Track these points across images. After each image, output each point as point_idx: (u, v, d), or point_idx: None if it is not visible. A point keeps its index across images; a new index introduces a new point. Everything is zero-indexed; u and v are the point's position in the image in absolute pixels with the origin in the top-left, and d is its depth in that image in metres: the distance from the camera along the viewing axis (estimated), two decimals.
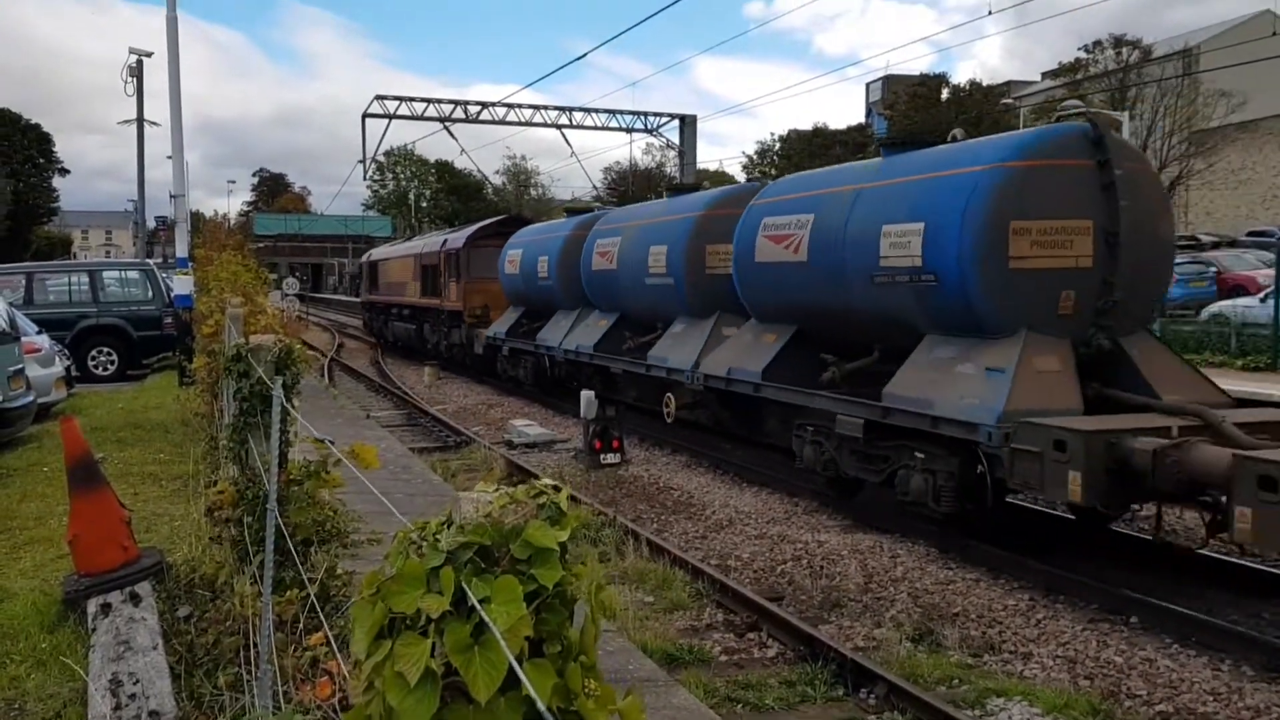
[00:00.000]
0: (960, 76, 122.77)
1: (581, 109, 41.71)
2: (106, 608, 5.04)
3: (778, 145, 77.41)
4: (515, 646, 1.56)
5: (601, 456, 13.70)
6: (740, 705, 6.23)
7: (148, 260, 28.54)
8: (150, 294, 21.41)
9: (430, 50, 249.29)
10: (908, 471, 9.57)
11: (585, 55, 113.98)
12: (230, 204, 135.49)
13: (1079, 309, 9.19)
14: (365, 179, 59.43)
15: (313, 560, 4.66)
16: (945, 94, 63.80)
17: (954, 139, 10.77)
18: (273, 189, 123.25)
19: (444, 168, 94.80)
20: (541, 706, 1.50)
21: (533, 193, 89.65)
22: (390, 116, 39.54)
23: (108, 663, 4.48)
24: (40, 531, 7.51)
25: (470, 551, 1.67)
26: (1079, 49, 52.85)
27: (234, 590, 4.78)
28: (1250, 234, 32.14)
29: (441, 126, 40.17)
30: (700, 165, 44.51)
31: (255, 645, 4.09)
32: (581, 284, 18.96)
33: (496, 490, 1.79)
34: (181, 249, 20.62)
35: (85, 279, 21.37)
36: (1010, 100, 53.79)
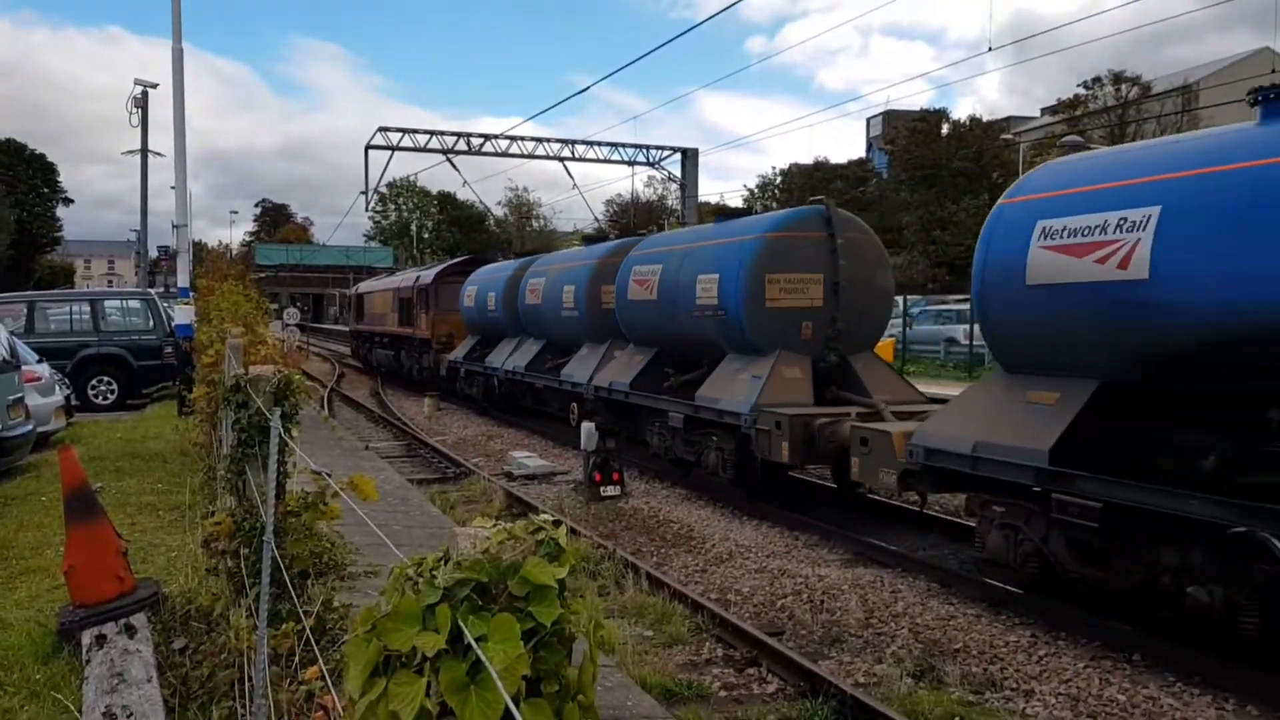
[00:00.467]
0: (960, 112, 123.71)
1: (584, 142, 41.88)
2: (101, 639, 5.00)
3: (779, 179, 77.81)
4: (512, 686, 1.53)
5: (601, 489, 13.65)
6: None
7: (149, 290, 28.55)
8: (151, 323, 21.43)
9: (434, 83, 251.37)
10: (708, 451, 13.31)
11: (588, 89, 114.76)
12: (233, 234, 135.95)
13: (815, 336, 13.14)
14: (368, 210, 59.72)
15: (310, 593, 4.63)
16: (945, 129, 64.19)
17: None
18: (275, 219, 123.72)
19: (446, 199, 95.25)
20: None
21: (535, 224, 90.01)
22: (393, 148, 39.70)
23: (101, 695, 4.44)
24: (37, 561, 7.47)
25: (467, 588, 1.65)
26: (1078, 85, 53.28)
27: (230, 623, 4.75)
28: None
29: (444, 158, 40.31)
30: (702, 198, 44.63)
31: (250, 679, 4.05)
32: (519, 316, 22.52)
33: (494, 526, 1.77)
34: (183, 279, 20.68)
35: (86, 308, 21.41)
36: (1010, 136, 54.08)
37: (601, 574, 9.46)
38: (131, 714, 4.28)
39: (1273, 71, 30.05)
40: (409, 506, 11.08)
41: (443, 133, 40.50)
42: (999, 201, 9.56)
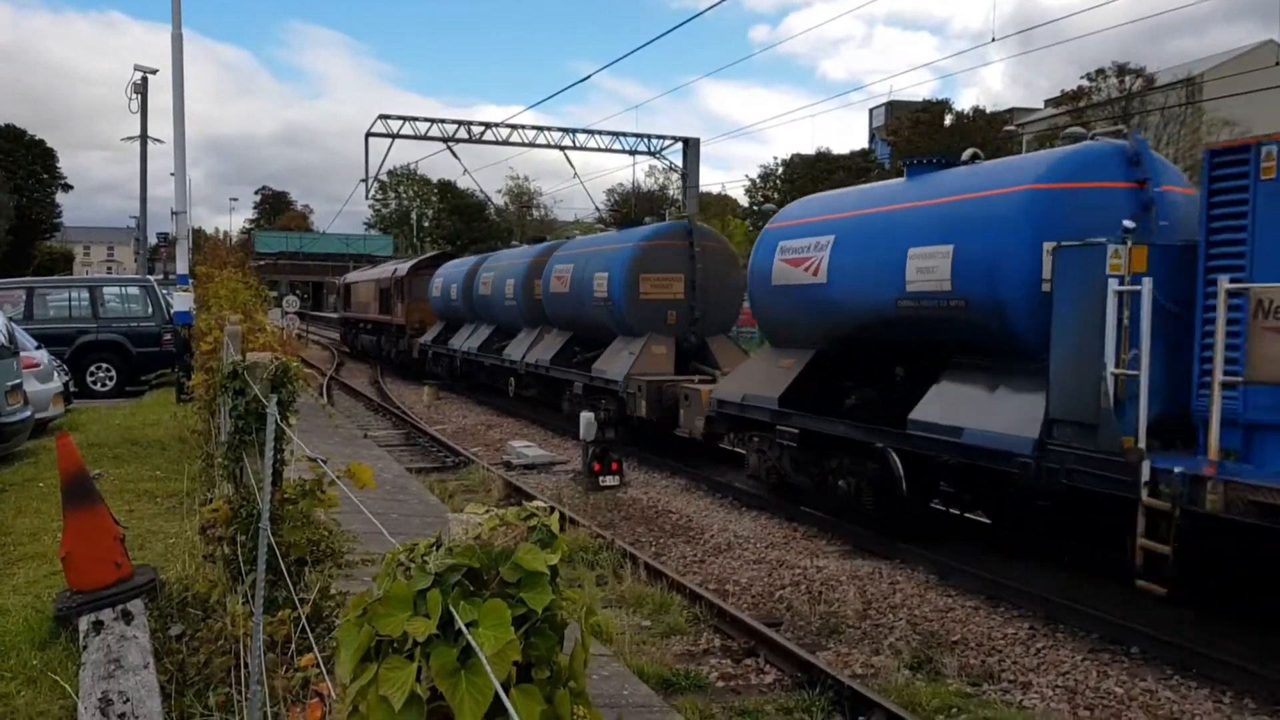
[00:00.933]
0: (964, 103, 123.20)
1: (585, 130, 41.75)
2: (98, 625, 5.00)
3: (780, 169, 77.64)
4: (502, 671, 1.52)
5: (600, 478, 13.67)
6: None
7: (148, 277, 28.52)
8: (150, 310, 21.40)
9: (435, 70, 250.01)
10: (599, 411, 16.05)
11: (589, 77, 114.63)
12: (232, 221, 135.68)
13: (679, 321, 17.29)
14: (368, 198, 59.62)
15: (306, 580, 4.62)
16: (948, 120, 64.06)
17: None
18: (275, 207, 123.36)
19: (446, 187, 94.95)
20: None
21: (535, 213, 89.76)
22: (394, 136, 39.58)
23: (98, 681, 4.44)
24: (34, 547, 7.46)
25: (459, 574, 1.64)
26: (1082, 76, 53.09)
27: (226, 609, 4.74)
28: None
29: (445, 146, 40.21)
30: (704, 188, 44.59)
31: (246, 665, 4.04)
32: (474, 305, 26.51)
33: (487, 512, 1.76)
34: (182, 266, 20.65)
35: (85, 295, 21.36)
36: (1013, 127, 53.96)
37: (600, 564, 9.47)
38: (128, 699, 4.29)
39: (1277, 64, 29.93)
40: (407, 495, 11.08)
41: (443, 120, 40.39)
42: (765, 226, 13.93)
